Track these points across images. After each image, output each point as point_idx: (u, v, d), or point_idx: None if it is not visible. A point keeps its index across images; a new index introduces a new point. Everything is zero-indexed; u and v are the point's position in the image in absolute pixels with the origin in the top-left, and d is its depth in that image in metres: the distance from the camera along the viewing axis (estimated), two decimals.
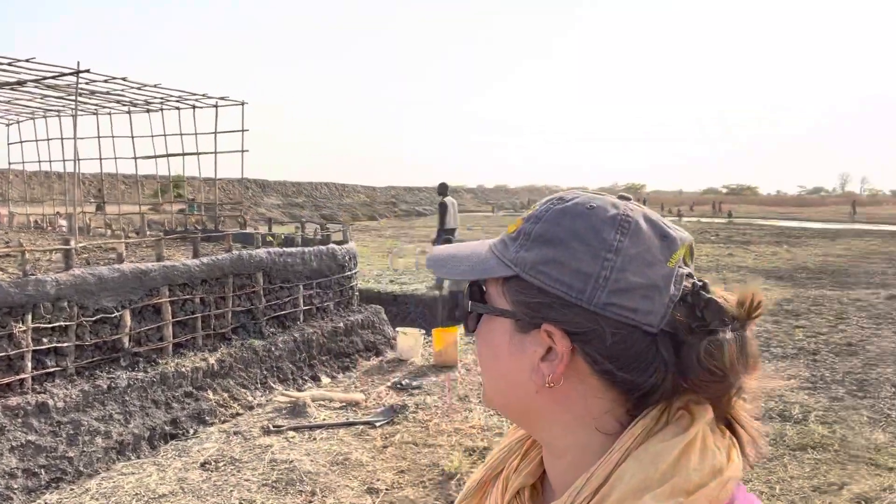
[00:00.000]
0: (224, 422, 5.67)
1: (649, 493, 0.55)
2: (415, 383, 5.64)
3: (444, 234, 11.57)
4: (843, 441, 4.31)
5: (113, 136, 10.83)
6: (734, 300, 0.62)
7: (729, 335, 0.60)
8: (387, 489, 3.68)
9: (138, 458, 4.88)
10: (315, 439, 4.42)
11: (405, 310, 11.18)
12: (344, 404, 5.15)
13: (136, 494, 3.80)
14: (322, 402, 5.15)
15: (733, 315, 0.61)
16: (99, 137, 10.35)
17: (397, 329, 6.98)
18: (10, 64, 7.42)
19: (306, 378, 7.74)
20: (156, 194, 19.14)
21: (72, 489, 4.50)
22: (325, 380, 7.63)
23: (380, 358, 7.35)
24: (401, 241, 21.42)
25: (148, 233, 10.05)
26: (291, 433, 4.50)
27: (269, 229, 10.39)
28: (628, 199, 0.67)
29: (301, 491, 3.62)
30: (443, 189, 11.96)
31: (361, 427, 4.65)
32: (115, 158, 11.03)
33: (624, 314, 0.60)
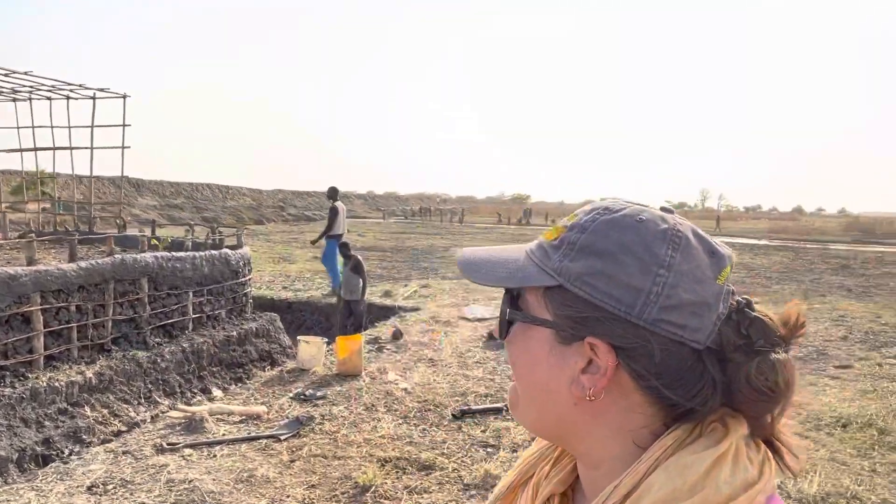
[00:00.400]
0: (107, 441, 5.21)
1: (678, 503, 0.55)
2: (319, 393, 5.48)
3: (331, 240, 11.42)
4: None
5: None
6: (778, 319, 0.63)
7: (781, 356, 0.60)
8: None
9: (6, 482, 4.37)
10: (215, 456, 4.16)
11: (300, 317, 10.85)
12: (244, 418, 4.90)
13: None
14: (220, 417, 4.86)
15: (779, 334, 0.62)
16: None
17: (298, 338, 6.76)
18: None
19: (196, 391, 7.28)
20: (16, 191, 17.32)
21: None
22: (216, 392, 7.22)
23: (279, 368, 7.07)
24: (291, 247, 20.82)
25: (10, 234, 9.05)
26: (188, 451, 4.21)
27: (153, 232, 9.71)
28: (672, 211, 0.67)
29: None
30: (333, 193, 11.79)
31: (265, 441, 4.44)
32: None
33: (673, 330, 0.60)
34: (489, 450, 4.44)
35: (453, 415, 5.14)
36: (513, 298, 0.67)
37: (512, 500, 0.77)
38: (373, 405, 5.33)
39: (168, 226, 27.52)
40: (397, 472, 3.99)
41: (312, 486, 3.79)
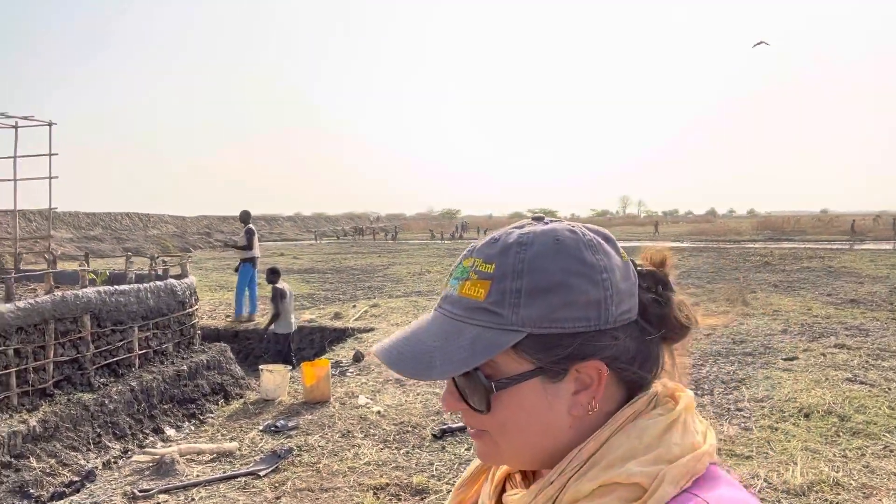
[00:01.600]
0: (60, 494, 4.81)
1: (634, 460, 0.62)
2: (290, 424, 5.27)
3: (247, 264, 11.25)
4: None
5: None
6: (649, 264, 0.73)
7: (679, 295, 0.71)
8: None
9: None
10: (193, 500, 3.91)
11: (248, 346, 10.46)
12: (216, 456, 4.64)
13: None
14: (190, 457, 4.59)
15: (665, 277, 0.71)
16: None
17: (260, 367, 6.49)
18: None
19: (147, 432, 6.85)
20: None
21: None
22: (170, 432, 6.83)
23: (241, 400, 6.77)
24: (226, 273, 20.13)
25: None
26: (163, 496, 3.94)
27: (87, 264, 9.14)
28: (542, 218, 0.72)
29: None
30: (245, 217, 11.73)
31: (244, 479, 4.21)
32: None
33: (627, 317, 0.66)
34: None
35: (434, 435, 5.05)
36: (475, 370, 0.65)
37: (475, 486, 0.80)
38: (348, 431, 5.17)
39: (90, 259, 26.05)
40: (391, 499, 3.87)
41: None
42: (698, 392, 6.10)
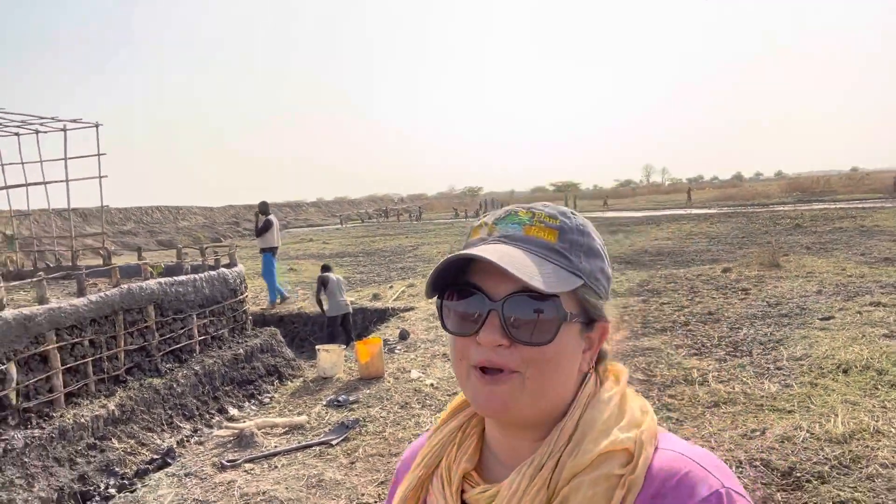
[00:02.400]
0: (142, 472, 5.23)
1: (615, 428, 0.71)
2: (351, 398, 5.62)
3: (267, 253, 11.63)
4: (746, 394, 5.03)
5: None
6: None
7: None
8: (376, 501, 3.69)
9: None
10: (277, 467, 4.27)
11: (293, 329, 10.88)
12: (288, 429, 5.01)
13: None
14: (265, 430, 4.96)
15: None
16: None
17: (317, 347, 6.86)
18: None
19: (213, 412, 7.29)
20: None
21: None
22: (232, 411, 7.24)
23: (301, 378, 7.15)
24: (259, 261, 20.61)
25: None
26: (249, 465, 4.31)
27: (140, 257, 9.58)
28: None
29: None
30: (264, 207, 12.03)
31: (319, 448, 4.57)
32: None
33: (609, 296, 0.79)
34: None
35: None
36: (543, 299, 0.70)
37: (420, 494, 0.82)
38: (406, 403, 5.50)
39: (127, 254, 26.79)
40: None
41: (382, 482, 3.95)
42: (737, 354, 6.31)
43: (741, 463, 3.80)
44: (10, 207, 9.87)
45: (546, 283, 0.68)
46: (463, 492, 0.77)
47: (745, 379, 5.43)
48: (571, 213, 0.77)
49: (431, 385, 5.92)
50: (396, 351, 7.41)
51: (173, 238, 37.04)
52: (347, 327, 9.08)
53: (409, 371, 6.41)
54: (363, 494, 3.78)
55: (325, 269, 9.62)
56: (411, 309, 10.10)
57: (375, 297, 11.68)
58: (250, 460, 4.37)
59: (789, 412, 4.58)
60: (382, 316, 10.24)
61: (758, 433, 4.20)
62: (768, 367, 5.71)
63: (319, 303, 9.34)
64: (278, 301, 11.80)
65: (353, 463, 4.28)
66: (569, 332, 0.72)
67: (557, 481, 0.69)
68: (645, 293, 10.08)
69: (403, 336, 7.91)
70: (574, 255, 0.73)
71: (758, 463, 3.78)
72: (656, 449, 0.71)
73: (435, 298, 0.77)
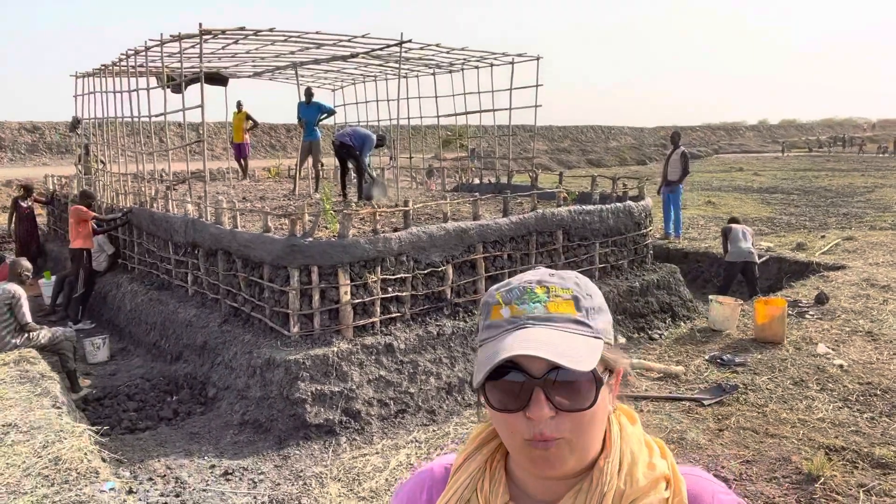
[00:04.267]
0: None
1: (651, 459, 0.84)
2: (737, 359, 5.27)
3: (672, 185, 10.93)
4: None
5: (420, 97, 11.85)
6: None
7: None
8: (735, 479, 3.51)
9: (463, 399, 5.39)
10: (641, 411, 4.40)
11: (696, 269, 10.51)
12: (662, 375, 5.03)
13: None
14: (640, 371, 5.10)
15: None
16: (408, 98, 11.38)
17: (710, 297, 6.57)
18: (349, 40, 8.44)
19: None
20: (444, 144, 20.69)
21: (434, 430, 5.14)
22: (621, 339, 7.58)
23: (689, 325, 7.03)
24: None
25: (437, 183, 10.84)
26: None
27: (560, 182, 10.48)
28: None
29: None
30: (675, 138, 11.41)
31: (688, 404, 4.50)
32: (421, 117, 12.07)
33: None
34: None
35: None
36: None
37: None
38: (802, 380, 4.90)
39: (558, 170, 29.34)
40: (846, 465, 3.62)
41: (747, 461, 3.71)
42: None
43: None
44: (457, 124, 11.74)
45: (586, 362, 0.76)
46: None
47: None
48: (576, 278, 0.85)
49: (840, 367, 5.12)
50: (808, 316, 6.55)
51: (601, 157, 38.85)
52: (751, 278, 8.34)
53: (816, 344, 5.63)
54: (723, 468, 3.63)
55: (733, 220, 9.00)
56: (841, 268, 8.65)
57: (799, 246, 10.33)
58: (618, 397, 4.58)
59: None
60: (802, 270, 9.04)
61: None
62: None
63: (726, 250, 8.73)
64: (671, 236, 11.44)
65: (721, 430, 4.10)
66: (603, 390, 0.80)
67: None
68: None
69: (821, 300, 6.89)
70: (591, 319, 0.82)
71: None
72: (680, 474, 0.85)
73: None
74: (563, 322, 0.80)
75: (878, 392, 4.65)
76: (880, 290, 7.32)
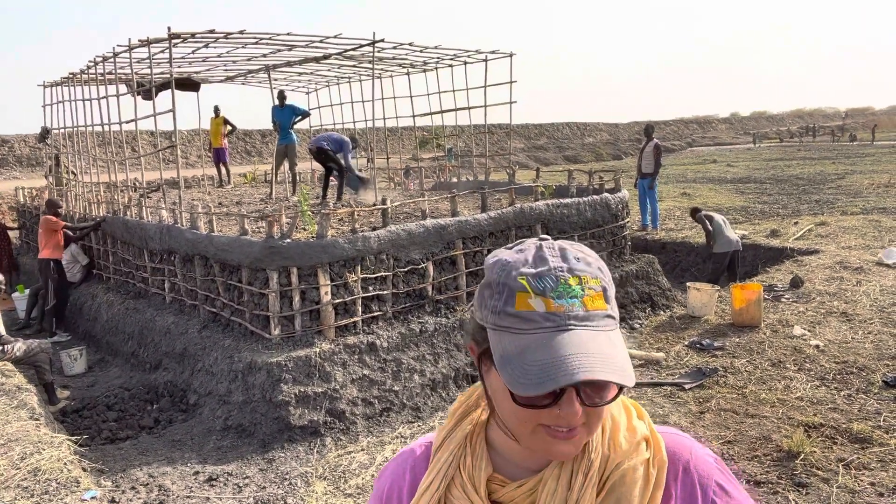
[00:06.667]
0: None
1: (631, 421, 0.86)
2: (716, 344, 5.34)
3: (647, 178, 11.04)
4: None
5: (395, 97, 11.83)
6: None
7: None
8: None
9: (447, 395, 5.39)
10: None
11: (674, 258, 10.64)
12: (643, 362, 5.08)
13: None
14: None
15: None
16: (383, 99, 11.36)
17: (687, 284, 6.66)
18: (321, 41, 8.40)
19: None
20: (420, 145, 20.68)
21: (419, 426, 5.13)
22: None
23: (668, 313, 7.10)
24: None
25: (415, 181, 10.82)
26: None
27: (537, 177, 10.53)
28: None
29: None
30: (650, 130, 11.34)
31: (670, 388, 4.54)
32: (397, 117, 12.05)
33: None
34: None
35: (885, 381, 4.48)
36: None
37: None
38: (779, 361, 4.98)
39: (535, 167, 29.47)
40: (825, 441, 3.69)
41: (729, 441, 3.76)
42: None
43: None
44: (434, 124, 11.76)
45: (631, 372, 0.74)
46: (489, 493, 0.87)
47: None
48: (597, 261, 0.81)
49: (816, 347, 5.21)
50: (783, 300, 6.65)
51: (577, 154, 39.14)
52: (735, 266, 8.45)
53: (792, 326, 5.73)
54: None
55: (695, 211, 9.06)
56: (814, 252, 8.80)
57: (774, 233, 10.50)
58: None
59: None
60: (777, 256, 9.19)
61: None
62: None
63: (709, 239, 8.79)
64: (648, 228, 11.58)
65: (702, 413, 4.16)
66: None
67: (603, 470, 0.82)
68: None
69: (795, 283, 7.01)
70: (614, 309, 0.79)
71: None
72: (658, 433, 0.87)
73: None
74: (600, 319, 0.76)
75: (854, 370, 4.74)
76: (853, 272, 7.47)
